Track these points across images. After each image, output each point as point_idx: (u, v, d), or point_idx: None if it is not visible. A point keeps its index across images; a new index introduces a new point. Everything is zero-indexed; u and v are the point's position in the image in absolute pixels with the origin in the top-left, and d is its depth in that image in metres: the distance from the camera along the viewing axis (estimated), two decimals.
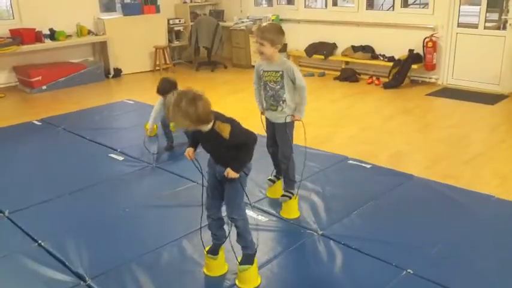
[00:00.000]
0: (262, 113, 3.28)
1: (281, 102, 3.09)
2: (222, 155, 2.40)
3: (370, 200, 3.35)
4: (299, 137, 3.25)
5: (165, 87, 4.16)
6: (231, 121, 2.31)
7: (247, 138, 2.35)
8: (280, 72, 3.03)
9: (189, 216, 3.15)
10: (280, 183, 3.42)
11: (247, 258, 2.52)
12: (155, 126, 4.63)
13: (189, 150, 2.46)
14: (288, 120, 3.12)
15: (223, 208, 2.56)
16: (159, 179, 3.90)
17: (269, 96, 3.12)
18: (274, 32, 2.95)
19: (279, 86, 3.06)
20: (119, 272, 2.64)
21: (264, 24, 3.08)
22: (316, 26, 7.84)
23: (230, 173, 2.36)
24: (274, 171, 3.46)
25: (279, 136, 3.20)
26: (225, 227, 2.63)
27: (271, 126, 3.25)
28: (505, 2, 6.16)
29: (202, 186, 2.59)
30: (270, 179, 3.47)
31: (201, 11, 9.29)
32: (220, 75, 8.07)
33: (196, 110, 2.15)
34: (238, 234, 2.54)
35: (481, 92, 6.23)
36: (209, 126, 2.26)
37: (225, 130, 2.26)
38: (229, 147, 2.31)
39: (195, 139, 2.48)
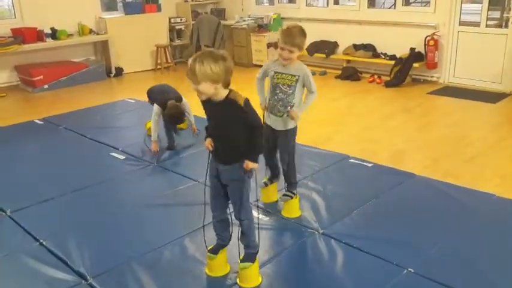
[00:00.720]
0: (265, 109, 3.06)
1: (289, 108, 2.97)
2: (231, 133, 2.36)
3: (371, 198, 3.35)
4: (301, 136, 3.24)
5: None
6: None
7: (257, 118, 2.37)
8: (297, 77, 2.93)
9: (190, 215, 3.15)
10: (273, 187, 3.34)
11: (249, 257, 2.53)
12: None
13: (208, 141, 2.45)
14: (292, 126, 3.01)
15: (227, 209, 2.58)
16: (161, 178, 3.92)
17: (277, 100, 2.98)
18: (301, 37, 2.85)
19: (291, 91, 2.94)
20: (121, 271, 2.65)
21: (289, 27, 2.91)
22: (317, 25, 7.82)
23: (250, 165, 2.37)
24: (269, 173, 3.32)
25: (281, 144, 3.08)
26: (230, 228, 2.62)
27: (272, 135, 3.06)
28: (507, 0, 6.15)
29: (206, 179, 2.54)
30: (264, 182, 3.33)
31: (203, 9, 9.28)
32: None
33: (224, 65, 2.21)
34: (243, 233, 2.54)
35: (482, 91, 6.22)
36: (225, 93, 2.30)
37: (240, 98, 2.32)
38: (241, 121, 2.31)
39: (208, 120, 2.46)
